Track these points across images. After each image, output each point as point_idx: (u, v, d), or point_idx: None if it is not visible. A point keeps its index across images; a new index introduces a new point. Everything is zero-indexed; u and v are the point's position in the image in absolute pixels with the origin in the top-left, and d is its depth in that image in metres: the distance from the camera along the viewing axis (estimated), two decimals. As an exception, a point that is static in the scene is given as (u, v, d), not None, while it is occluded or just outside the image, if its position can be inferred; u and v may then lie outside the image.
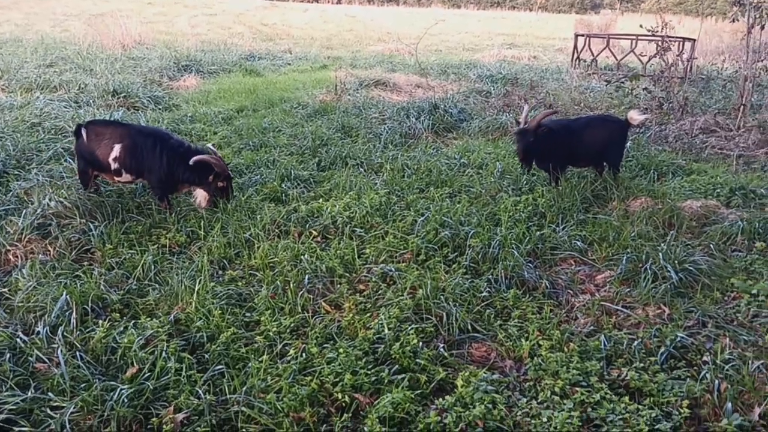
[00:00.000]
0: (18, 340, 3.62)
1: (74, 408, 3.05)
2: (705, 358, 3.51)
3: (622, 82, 10.30)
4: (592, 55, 15.87)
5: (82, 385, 3.23)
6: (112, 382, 3.21)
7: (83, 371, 3.33)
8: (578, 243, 5.01)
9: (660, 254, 4.51)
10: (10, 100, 9.64)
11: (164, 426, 2.98)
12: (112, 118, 8.55)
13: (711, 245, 4.91)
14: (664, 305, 4.13)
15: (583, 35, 16.76)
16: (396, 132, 8.72)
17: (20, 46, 16.05)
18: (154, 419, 3.03)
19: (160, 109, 10.56)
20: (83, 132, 5.72)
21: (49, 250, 4.89)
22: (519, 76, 14.16)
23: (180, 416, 3.03)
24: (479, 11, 47.68)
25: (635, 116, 6.44)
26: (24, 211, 5.32)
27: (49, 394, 3.17)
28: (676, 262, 4.46)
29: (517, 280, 4.44)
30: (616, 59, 15.66)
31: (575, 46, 16.14)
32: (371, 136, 8.59)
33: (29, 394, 3.16)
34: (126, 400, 3.09)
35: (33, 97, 9.99)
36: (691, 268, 4.46)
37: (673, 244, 4.76)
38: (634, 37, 15.36)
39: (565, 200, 5.90)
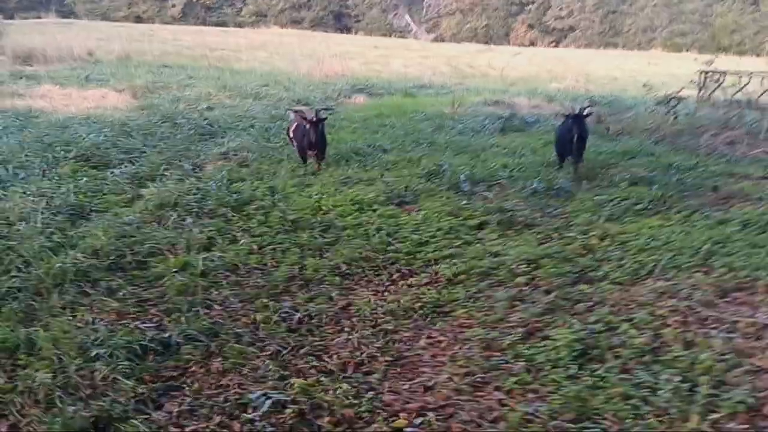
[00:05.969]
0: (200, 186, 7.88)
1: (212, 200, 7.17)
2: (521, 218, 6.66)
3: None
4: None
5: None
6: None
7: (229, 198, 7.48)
8: (503, 175, 8.22)
9: (537, 178, 7.62)
10: (230, 102, 14.87)
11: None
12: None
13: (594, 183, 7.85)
14: (524, 201, 7.26)
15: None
16: (470, 129, 12.18)
17: (252, 74, 22.09)
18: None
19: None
20: (291, 115, 10.05)
21: (226, 164, 9.26)
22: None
23: (258, 205, 7.00)
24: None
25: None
26: (217, 147, 9.88)
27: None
28: (547, 183, 7.54)
29: (453, 187, 7.82)
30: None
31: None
32: (450, 130, 12.14)
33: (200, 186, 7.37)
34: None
35: (246, 102, 15.15)
36: (557, 187, 7.50)
37: (552, 176, 7.82)
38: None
39: (544, 163, 9.00)
